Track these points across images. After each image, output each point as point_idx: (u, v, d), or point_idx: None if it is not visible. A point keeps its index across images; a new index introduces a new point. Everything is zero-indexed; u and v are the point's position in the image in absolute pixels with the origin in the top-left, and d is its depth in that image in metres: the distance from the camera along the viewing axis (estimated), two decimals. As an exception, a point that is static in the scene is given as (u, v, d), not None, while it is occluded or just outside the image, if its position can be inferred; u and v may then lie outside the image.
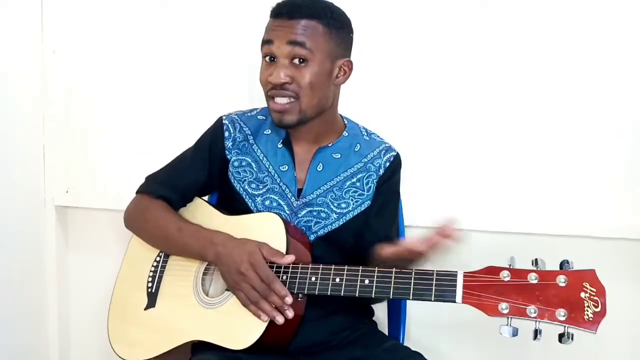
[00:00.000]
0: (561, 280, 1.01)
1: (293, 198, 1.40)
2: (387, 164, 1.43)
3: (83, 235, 2.10)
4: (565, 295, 1.00)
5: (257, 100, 1.77)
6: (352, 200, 1.40)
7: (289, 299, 1.22)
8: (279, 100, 1.33)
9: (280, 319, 1.22)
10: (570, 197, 1.73)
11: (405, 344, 1.42)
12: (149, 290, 1.40)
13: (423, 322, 1.76)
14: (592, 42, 1.68)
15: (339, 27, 1.35)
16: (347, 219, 1.40)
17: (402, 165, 1.48)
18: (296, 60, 1.31)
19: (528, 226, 1.69)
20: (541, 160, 1.74)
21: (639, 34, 1.66)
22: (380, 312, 1.56)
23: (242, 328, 1.24)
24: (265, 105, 1.52)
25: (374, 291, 1.17)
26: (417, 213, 1.66)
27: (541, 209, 1.73)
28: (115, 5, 1.99)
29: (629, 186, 1.70)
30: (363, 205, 1.41)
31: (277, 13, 1.33)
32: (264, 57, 1.35)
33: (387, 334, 1.52)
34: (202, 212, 1.44)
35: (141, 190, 1.48)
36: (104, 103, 2.03)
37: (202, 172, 1.45)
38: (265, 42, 1.33)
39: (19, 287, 1.96)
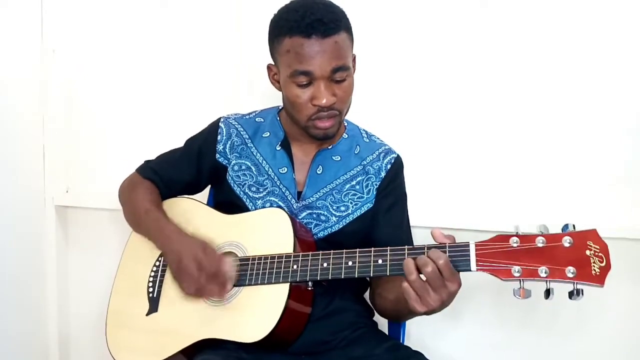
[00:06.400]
0: (566, 241, 1.05)
1: (293, 200, 1.40)
2: (388, 166, 1.43)
3: (83, 235, 2.10)
4: (572, 254, 1.04)
5: (257, 100, 1.77)
6: (351, 203, 1.40)
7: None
8: (327, 119, 1.32)
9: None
10: (570, 197, 1.73)
11: (405, 344, 1.42)
12: (150, 295, 1.39)
13: (423, 322, 1.76)
14: (592, 42, 1.68)
15: (351, 27, 1.34)
16: (347, 222, 1.40)
17: (404, 167, 1.48)
18: (337, 79, 1.29)
19: (528, 226, 1.69)
20: (541, 161, 1.74)
21: (638, 34, 1.66)
22: (381, 312, 1.56)
23: (255, 321, 1.24)
24: (264, 107, 1.53)
25: (388, 269, 1.17)
26: (417, 214, 1.66)
27: (541, 209, 1.74)
28: (115, 5, 1.99)
29: (628, 186, 1.70)
30: (363, 208, 1.41)
31: (307, 34, 1.25)
32: (298, 84, 1.29)
33: (387, 334, 1.52)
34: (203, 214, 1.44)
35: (137, 169, 1.54)
36: (103, 103, 2.04)
37: (186, 172, 1.49)
38: (303, 72, 1.27)
39: (19, 287, 1.96)
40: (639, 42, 1.66)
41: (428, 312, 1.13)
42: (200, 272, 1.26)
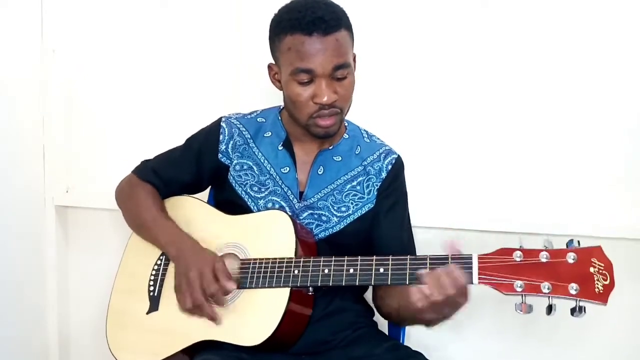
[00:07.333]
0: (571, 257, 1.05)
1: (295, 200, 1.40)
2: (389, 166, 1.43)
3: (83, 235, 2.10)
4: (576, 271, 1.04)
5: (257, 99, 1.77)
6: (352, 203, 1.40)
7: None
8: (328, 117, 1.31)
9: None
10: (570, 197, 1.73)
11: (405, 344, 1.42)
12: (151, 294, 1.39)
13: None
14: (592, 42, 1.68)
15: (351, 25, 1.34)
16: (348, 222, 1.40)
17: (404, 167, 1.47)
18: (338, 76, 1.29)
19: (528, 226, 1.70)
20: (541, 161, 1.75)
21: (638, 34, 1.66)
22: (381, 312, 1.56)
23: (254, 324, 1.24)
24: (264, 107, 1.53)
25: (389, 278, 1.17)
26: (418, 214, 1.66)
27: (541, 209, 1.74)
28: (115, 5, 1.99)
29: (628, 186, 1.71)
30: (364, 209, 1.41)
31: (309, 31, 1.25)
32: (299, 81, 1.29)
33: (387, 334, 1.52)
34: (205, 214, 1.44)
35: (134, 170, 1.53)
36: (103, 103, 2.03)
37: (187, 172, 1.48)
38: (304, 70, 1.27)
39: (19, 287, 1.96)
40: (639, 42, 1.66)
41: (431, 320, 1.13)
42: (199, 293, 1.26)
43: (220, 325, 1.27)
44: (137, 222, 1.47)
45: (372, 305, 1.51)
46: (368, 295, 1.53)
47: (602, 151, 1.71)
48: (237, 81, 1.90)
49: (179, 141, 1.53)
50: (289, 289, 1.24)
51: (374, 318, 1.50)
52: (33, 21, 1.97)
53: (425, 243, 1.60)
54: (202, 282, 1.26)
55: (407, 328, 1.54)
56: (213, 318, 1.27)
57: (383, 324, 1.53)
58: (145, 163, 1.54)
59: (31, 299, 2.01)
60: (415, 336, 1.72)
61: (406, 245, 1.42)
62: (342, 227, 1.39)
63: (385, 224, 1.41)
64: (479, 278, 1.09)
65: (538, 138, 1.74)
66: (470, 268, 1.10)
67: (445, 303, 1.09)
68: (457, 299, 1.09)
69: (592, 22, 1.68)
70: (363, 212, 1.41)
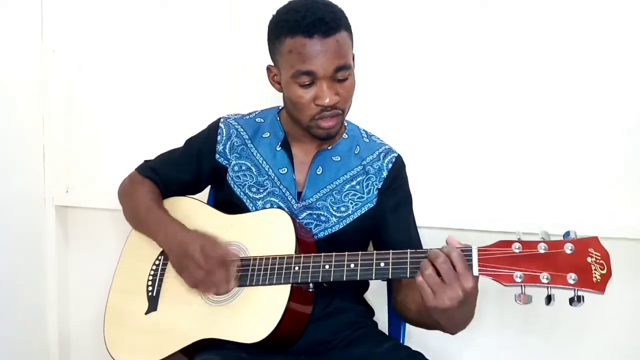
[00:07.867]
0: (568, 247, 1.06)
1: (293, 200, 1.40)
2: (390, 165, 1.43)
3: (83, 235, 2.10)
4: (574, 261, 1.05)
5: (257, 100, 1.77)
6: (351, 203, 1.40)
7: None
8: (330, 119, 1.32)
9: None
10: (570, 197, 1.73)
11: (405, 344, 1.42)
12: (150, 294, 1.39)
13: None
14: (592, 42, 1.68)
15: (350, 26, 1.34)
16: (347, 222, 1.40)
17: (405, 166, 1.47)
18: (339, 78, 1.29)
19: (528, 226, 1.69)
20: (541, 161, 1.74)
21: (638, 34, 1.66)
22: (381, 312, 1.56)
23: (255, 322, 1.24)
24: (264, 107, 1.53)
25: (390, 272, 1.17)
26: (419, 214, 1.66)
27: (541, 209, 1.74)
28: (115, 5, 1.99)
29: (628, 186, 1.70)
30: (363, 208, 1.41)
31: (309, 33, 1.24)
32: (301, 84, 1.28)
33: (387, 334, 1.52)
34: (204, 214, 1.44)
35: (137, 169, 1.55)
36: (103, 103, 2.04)
37: (186, 172, 1.49)
38: (305, 72, 1.26)
39: (19, 287, 1.96)
40: (639, 42, 1.66)
41: (447, 313, 1.09)
42: (206, 260, 1.26)
43: (221, 323, 1.28)
44: (133, 215, 1.48)
45: (372, 305, 1.51)
46: (368, 296, 1.53)
47: (602, 151, 1.71)
48: (237, 81, 1.90)
49: (179, 141, 1.54)
50: (290, 286, 1.24)
51: (374, 318, 1.50)
52: (33, 21, 1.97)
53: (425, 243, 1.60)
54: (205, 251, 1.26)
55: (407, 328, 1.54)
56: (229, 280, 1.26)
57: (383, 324, 1.53)
58: (146, 162, 1.55)
59: (31, 299, 2.02)
60: (415, 336, 1.72)
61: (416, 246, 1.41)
62: (341, 227, 1.39)
63: (394, 226, 1.41)
64: (479, 269, 1.09)
65: (538, 138, 1.74)
66: (470, 260, 1.10)
67: (446, 284, 1.07)
68: (462, 282, 1.07)
69: (592, 22, 1.68)
70: (363, 212, 1.41)
